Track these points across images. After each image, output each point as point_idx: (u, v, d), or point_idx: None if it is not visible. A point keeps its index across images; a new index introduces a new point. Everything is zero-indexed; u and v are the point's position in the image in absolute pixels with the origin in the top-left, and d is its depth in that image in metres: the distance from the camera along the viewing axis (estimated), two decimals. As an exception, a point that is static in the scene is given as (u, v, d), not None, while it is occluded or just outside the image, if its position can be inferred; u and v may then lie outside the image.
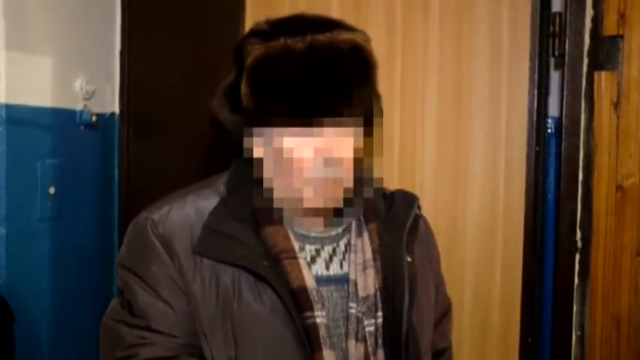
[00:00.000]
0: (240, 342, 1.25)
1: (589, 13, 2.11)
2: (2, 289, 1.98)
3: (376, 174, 1.34)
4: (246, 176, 1.34)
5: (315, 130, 1.24)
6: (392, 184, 2.31)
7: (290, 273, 1.27)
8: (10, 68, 2.03)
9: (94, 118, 2.37)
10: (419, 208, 1.47)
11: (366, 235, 1.37)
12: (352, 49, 1.27)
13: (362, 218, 1.38)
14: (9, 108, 2.03)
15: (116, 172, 2.54)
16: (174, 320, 1.28)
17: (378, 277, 1.34)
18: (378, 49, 2.29)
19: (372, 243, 1.36)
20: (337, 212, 1.34)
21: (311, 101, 1.23)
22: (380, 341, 1.31)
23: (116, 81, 2.54)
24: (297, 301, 1.26)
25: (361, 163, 1.29)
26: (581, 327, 2.15)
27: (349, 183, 1.29)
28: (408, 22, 2.32)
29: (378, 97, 1.37)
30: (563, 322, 2.16)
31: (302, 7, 2.36)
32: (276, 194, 1.30)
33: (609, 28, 2.09)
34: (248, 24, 2.44)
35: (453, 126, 2.30)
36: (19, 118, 2.07)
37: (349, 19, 2.30)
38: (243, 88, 1.27)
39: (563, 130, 2.14)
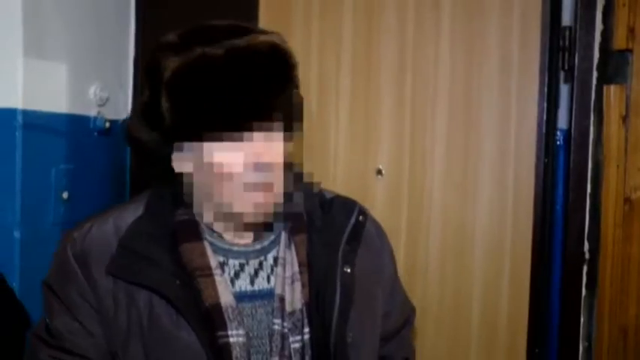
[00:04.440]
0: None
1: (598, 27, 2.14)
2: (16, 292, 2.00)
3: (308, 178, 1.33)
4: (166, 194, 1.32)
5: (244, 135, 1.20)
6: (400, 195, 2.35)
7: (204, 291, 1.23)
8: (27, 75, 2.05)
9: (107, 125, 2.39)
10: (363, 213, 1.41)
11: (293, 247, 1.32)
12: (271, 51, 1.23)
13: (287, 230, 1.34)
14: (25, 114, 2.05)
15: (128, 178, 2.56)
16: (88, 341, 1.26)
17: (304, 291, 1.29)
18: (389, 61, 2.35)
19: (298, 255, 1.31)
20: (266, 225, 1.31)
21: (235, 108, 1.19)
22: (307, 359, 1.27)
23: (129, 88, 2.56)
24: (210, 320, 1.22)
25: (290, 169, 1.26)
26: (589, 338, 2.16)
27: (280, 189, 1.25)
28: (419, 35, 2.35)
29: (300, 99, 1.31)
30: (570, 332, 2.17)
31: (315, 16, 2.41)
32: (207, 207, 1.29)
33: (619, 42, 2.11)
34: (261, 34, 2.46)
35: (462, 138, 2.31)
36: (34, 123, 2.09)
37: (361, 30, 2.38)
38: (164, 104, 1.21)
39: (572, 142, 2.16)
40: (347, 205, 1.41)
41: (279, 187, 1.25)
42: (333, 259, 1.31)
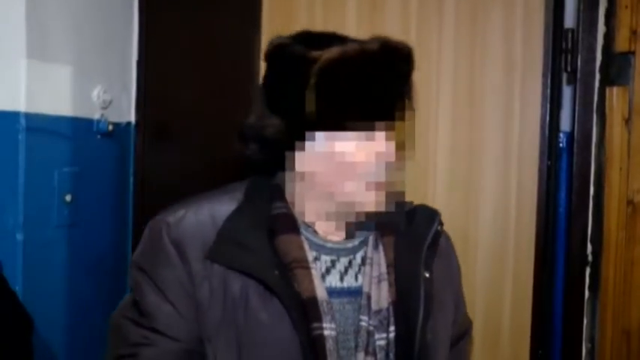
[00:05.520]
0: (244, 350, 1.24)
1: (601, 29, 2.14)
2: (19, 294, 2.00)
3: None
4: (263, 187, 1.35)
5: (378, 133, 1.25)
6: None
7: (301, 283, 1.25)
8: (30, 77, 2.06)
9: (110, 127, 2.39)
10: (441, 224, 1.44)
11: (381, 248, 1.36)
12: (409, 52, 1.29)
13: (377, 232, 1.37)
14: (28, 117, 2.05)
15: (131, 180, 2.56)
16: (180, 324, 1.27)
17: (391, 290, 1.33)
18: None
19: (386, 256, 1.35)
20: (357, 223, 1.34)
21: (382, 103, 1.25)
22: (391, 356, 1.30)
23: (132, 91, 2.55)
24: (305, 311, 1.24)
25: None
26: (592, 340, 2.16)
27: (402, 187, 1.30)
28: (423, 37, 2.35)
29: None
30: (573, 334, 2.17)
31: (318, 19, 2.41)
32: (316, 206, 1.32)
33: (621, 44, 2.11)
34: (264, 36, 2.47)
35: (465, 140, 2.32)
36: (37, 126, 2.09)
37: (364, 31, 2.35)
38: (311, 92, 1.24)
39: (575, 144, 2.16)
40: (430, 213, 1.45)
41: (397, 186, 1.30)
42: (417, 264, 1.35)
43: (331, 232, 1.36)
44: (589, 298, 2.16)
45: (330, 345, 1.24)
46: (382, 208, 1.29)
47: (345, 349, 1.29)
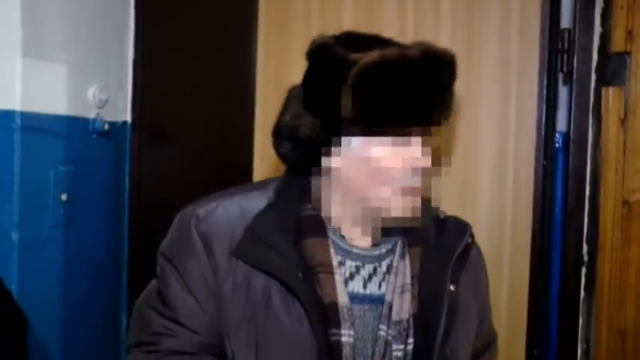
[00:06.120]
0: (262, 349, 1.25)
1: (597, 29, 2.14)
2: (14, 294, 2.00)
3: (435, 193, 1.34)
4: (294, 187, 1.35)
5: (414, 139, 1.25)
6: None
7: (323, 288, 1.26)
8: (25, 76, 2.06)
9: (106, 127, 2.39)
10: (472, 236, 1.43)
11: (408, 258, 1.35)
12: (452, 60, 1.28)
13: (405, 241, 1.37)
14: (24, 115, 2.06)
15: (127, 179, 2.56)
16: (201, 318, 1.29)
17: (413, 302, 1.32)
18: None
19: (412, 267, 1.34)
20: (386, 230, 1.34)
21: (423, 109, 1.24)
22: None
23: (128, 90, 2.56)
24: (325, 316, 1.24)
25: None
26: (587, 340, 2.16)
27: (427, 194, 1.30)
28: (419, 36, 2.33)
29: None
30: (569, 335, 2.17)
31: (314, 17, 2.41)
32: (342, 210, 1.32)
33: (617, 44, 2.11)
34: (260, 35, 2.46)
35: (461, 140, 2.31)
36: (33, 125, 2.09)
37: (360, 29, 2.36)
38: (348, 94, 1.23)
39: (571, 145, 2.16)
40: (461, 226, 1.44)
41: (426, 193, 1.30)
42: (442, 276, 1.34)
43: (359, 237, 1.35)
44: (584, 298, 2.16)
45: (346, 351, 1.25)
46: (416, 214, 1.29)
47: (362, 356, 1.29)
